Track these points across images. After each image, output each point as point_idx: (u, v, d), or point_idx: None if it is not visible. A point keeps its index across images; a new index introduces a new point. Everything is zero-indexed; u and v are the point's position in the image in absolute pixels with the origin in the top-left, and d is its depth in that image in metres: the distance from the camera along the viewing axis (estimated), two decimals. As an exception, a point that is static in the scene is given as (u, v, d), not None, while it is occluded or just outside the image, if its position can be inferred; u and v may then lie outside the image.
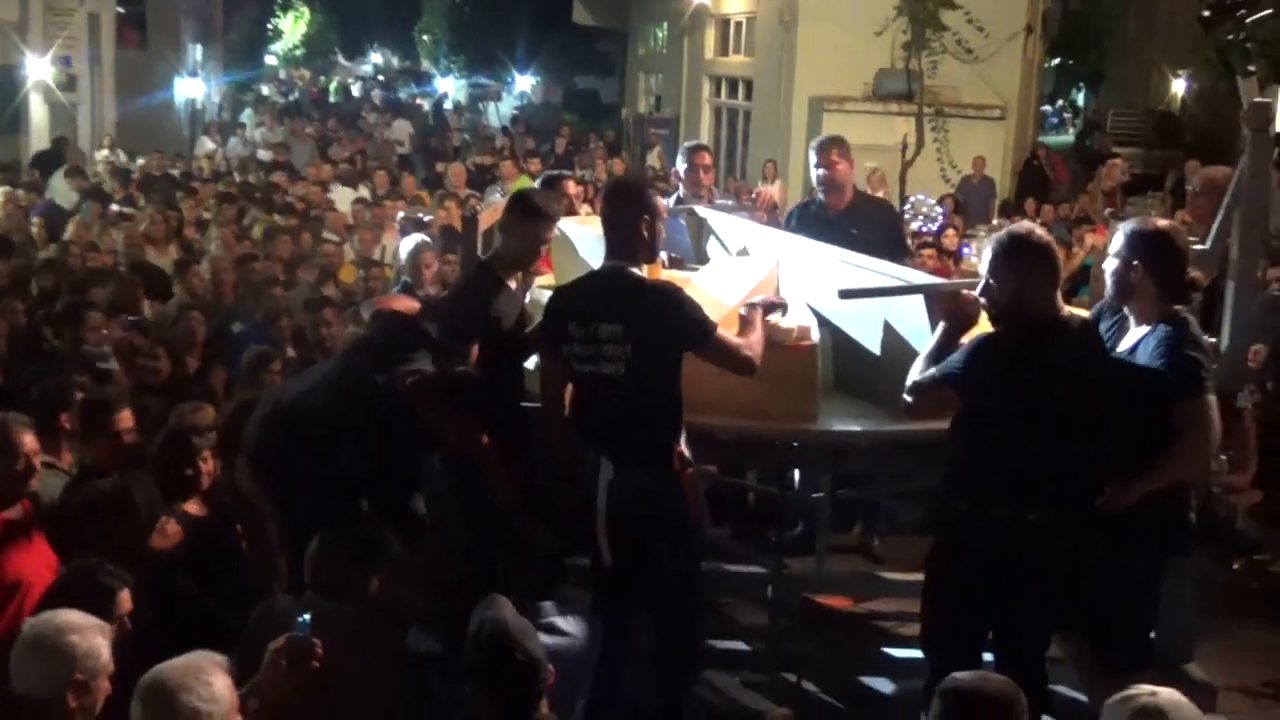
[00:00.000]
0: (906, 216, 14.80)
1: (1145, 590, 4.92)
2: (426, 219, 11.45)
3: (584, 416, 4.98)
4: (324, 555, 4.52)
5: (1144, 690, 3.27)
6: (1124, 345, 4.84)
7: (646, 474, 4.86)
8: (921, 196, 15.73)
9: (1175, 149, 23.77)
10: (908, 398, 4.70)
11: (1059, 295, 4.60)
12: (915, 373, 4.68)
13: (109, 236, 11.63)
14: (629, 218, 4.98)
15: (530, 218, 5.69)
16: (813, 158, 7.43)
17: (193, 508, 5.40)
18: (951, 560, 4.70)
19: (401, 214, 11.92)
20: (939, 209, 15.33)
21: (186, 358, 7.87)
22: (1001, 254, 4.56)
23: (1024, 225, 4.86)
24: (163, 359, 7.43)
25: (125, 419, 5.55)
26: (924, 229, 14.05)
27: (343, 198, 14.37)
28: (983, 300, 4.64)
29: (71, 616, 3.61)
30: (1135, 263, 4.69)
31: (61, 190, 14.75)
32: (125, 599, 4.20)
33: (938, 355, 4.68)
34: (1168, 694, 3.27)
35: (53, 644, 3.51)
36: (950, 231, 12.90)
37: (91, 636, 3.55)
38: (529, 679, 3.78)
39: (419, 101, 38.87)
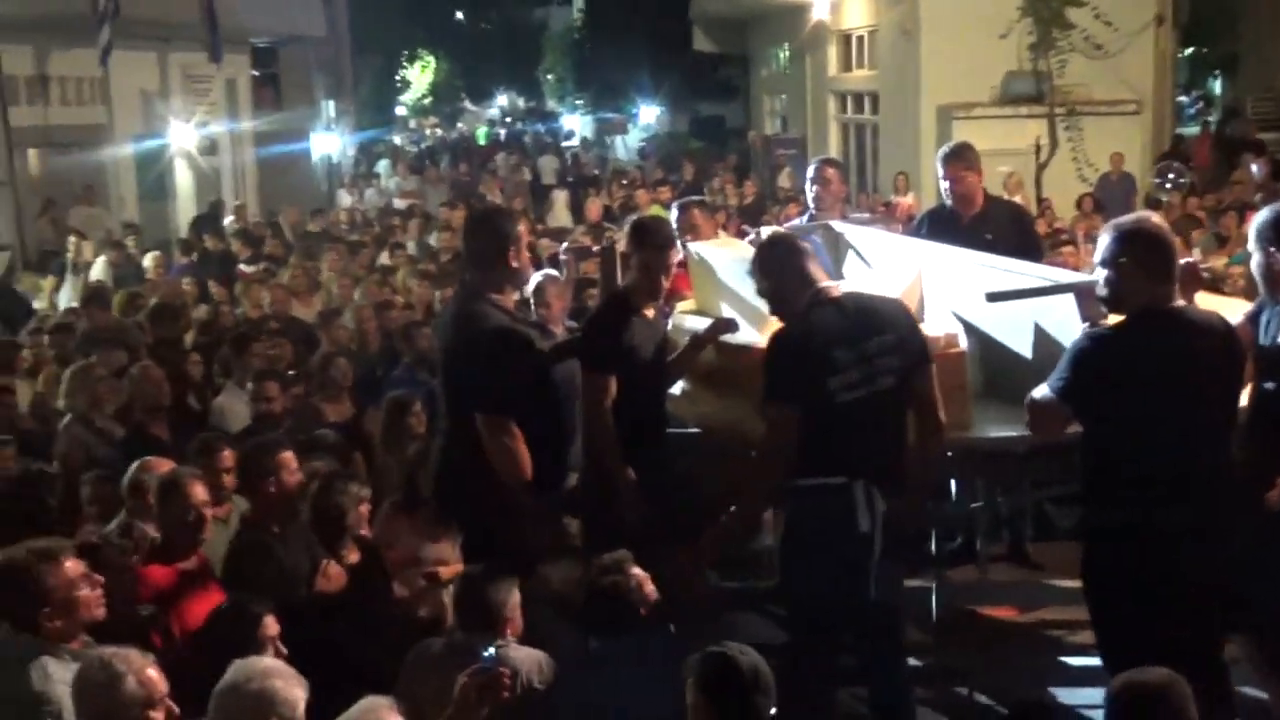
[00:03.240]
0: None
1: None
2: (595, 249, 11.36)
3: (849, 447, 4.74)
4: (461, 589, 4.63)
5: None
6: (1287, 335, 4.73)
7: (903, 499, 4.89)
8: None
9: (1319, 131, 23.05)
10: (1027, 417, 4.67)
11: (1173, 288, 4.48)
12: (1038, 390, 4.62)
13: (255, 293, 11.91)
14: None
15: (644, 247, 5.68)
16: (939, 170, 7.38)
17: (349, 554, 5.49)
18: (1106, 572, 4.59)
19: (565, 245, 11.88)
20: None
21: (333, 405, 8.07)
22: (1109, 241, 4.53)
23: (1142, 214, 4.84)
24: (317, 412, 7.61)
25: (291, 469, 5.68)
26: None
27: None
28: (1100, 288, 4.59)
29: (271, 664, 3.68)
30: (1272, 250, 4.67)
31: None
32: (270, 623, 4.32)
33: None
34: None
35: (254, 690, 3.57)
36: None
37: (292, 687, 3.59)
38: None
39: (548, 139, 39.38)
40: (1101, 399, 4.44)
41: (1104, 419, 4.47)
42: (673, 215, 7.80)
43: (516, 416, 5.35)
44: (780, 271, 4.96)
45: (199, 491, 5.18)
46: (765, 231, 7.08)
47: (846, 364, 4.70)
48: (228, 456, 5.97)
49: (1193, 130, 28.62)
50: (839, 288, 4.99)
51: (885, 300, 5.00)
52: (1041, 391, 4.58)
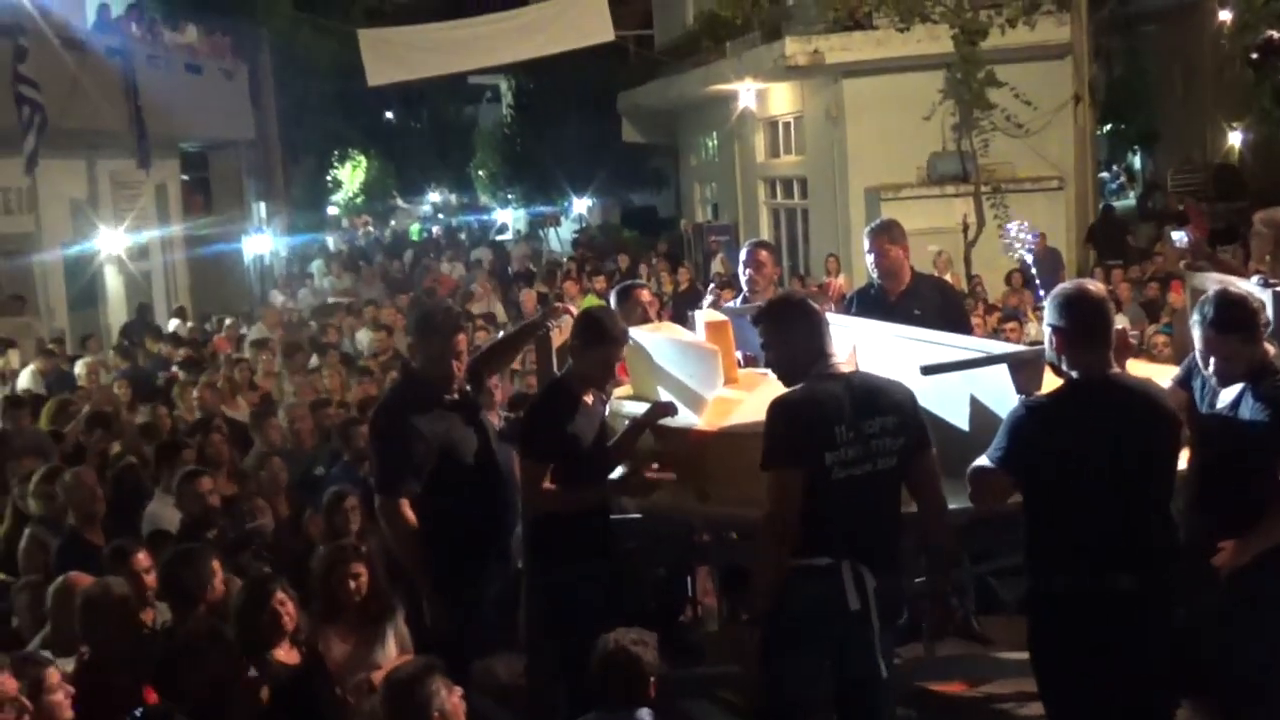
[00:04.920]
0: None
1: (1276, 648, 4.79)
2: None
3: (838, 526, 4.71)
4: (385, 694, 4.57)
5: None
6: (1223, 401, 4.80)
7: (899, 578, 4.88)
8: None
9: (1239, 200, 23.55)
10: (969, 489, 4.69)
11: (1108, 354, 4.54)
12: (978, 461, 4.65)
13: (189, 396, 11.79)
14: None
15: (597, 343, 5.71)
16: (865, 244, 7.47)
17: (282, 654, 5.39)
18: (1052, 642, 4.59)
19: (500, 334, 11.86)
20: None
21: (273, 504, 7.98)
22: (1048, 308, 4.63)
23: (1078, 281, 4.90)
24: (248, 514, 7.49)
25: (218, 578, 5.60)
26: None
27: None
28: (1050, 353, 4.65)
29: None
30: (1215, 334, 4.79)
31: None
32: None
33: None
34: None
35: None
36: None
37: None
38: None
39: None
40: (1041, 467, 4.46)
41: (1044, 487, 4.48)
42: (612, 302, 7.81)
43: (417, 498, 5.58)
44: (792, 336, 4.93)
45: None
46: (708, 307, 7.15)
47: (844, 441, 4.69)
48: (142, 559, 5.92)
49: (1116, 204, 29.19)
50: (847, 364, 4.99)
51: (890, 382, 4.98)
52: (982, 463, 4.60)
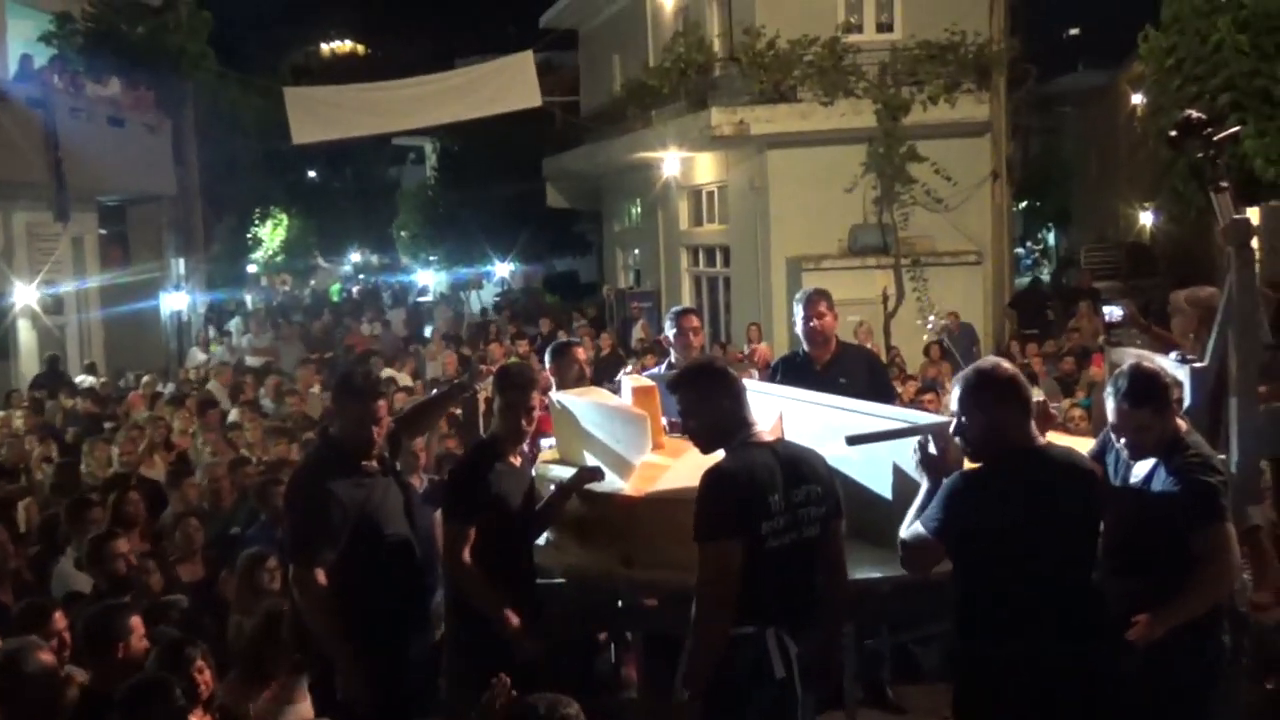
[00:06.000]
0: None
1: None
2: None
3: (767, 594, 4.70)
4: None
5: None
6: (1137, 475, 4.87)
7: (820, 645, 4.90)
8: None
9: (1150, 278, 24.09)
10: (902, 556, 4.74)
11: (1030, 426, 4.62)
12: (904, 528, 4.69)
13: (100, 453, 11.56)
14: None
15: (507, 389, 5.71)
16: (799, 311, 7.53)
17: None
18: (983, 707, 4.62)
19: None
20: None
21: (184, 566, 7.82)
22: (969, 390, 4.64)
23: (989, 360, 4.93)
24: (154, 573, 7.32)
25: (139, 635, 5.48)
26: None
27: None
28: (957, 440, 4.69)
29: None
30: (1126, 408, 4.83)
31: None
32: None
33: (924, 507, 4.70)
34: None
35: None
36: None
37: None
38: None
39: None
40: (975, 536, 4.51)
41: (978, 555, 4.53)
42: (546, 361, 7.79)
43: (334, 565, 5.46)
44: (712, 403, 4.90)
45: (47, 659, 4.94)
46: (626, 381, 7.13)
47: (777, 510, 4.70)
48: (59, 619, 5.77)
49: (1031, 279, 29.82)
50: (770, 432, 5.01)
51: (810, 451, 5.01)
52: (914, 531, 4.64)
